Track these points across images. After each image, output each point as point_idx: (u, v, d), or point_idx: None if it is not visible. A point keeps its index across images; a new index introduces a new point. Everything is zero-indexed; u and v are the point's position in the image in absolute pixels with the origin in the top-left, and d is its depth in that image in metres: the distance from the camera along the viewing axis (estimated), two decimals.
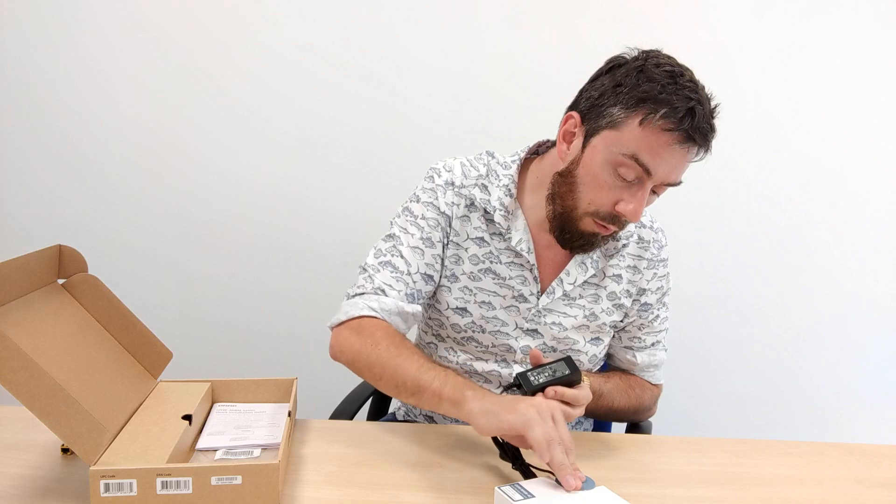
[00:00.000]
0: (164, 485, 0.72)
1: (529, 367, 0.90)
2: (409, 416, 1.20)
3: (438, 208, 1.05)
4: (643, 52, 0.95)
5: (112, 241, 1.83)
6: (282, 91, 1.78)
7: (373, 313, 0.99)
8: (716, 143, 0.93)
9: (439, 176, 1.07)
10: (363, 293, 1.02)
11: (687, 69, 0.93)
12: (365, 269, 1.04)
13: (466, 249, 1.06)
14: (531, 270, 1.06)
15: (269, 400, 1.01)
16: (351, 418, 1.19)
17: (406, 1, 1.74)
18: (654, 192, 0.95)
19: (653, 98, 0.88)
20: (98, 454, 0.73)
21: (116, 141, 1.80)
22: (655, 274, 1.12)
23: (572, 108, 1.00)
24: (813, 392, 1.96)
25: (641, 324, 1.13)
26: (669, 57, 0.94)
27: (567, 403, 0.85)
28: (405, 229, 1.05)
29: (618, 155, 0.91)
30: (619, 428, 1.24)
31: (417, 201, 1.07)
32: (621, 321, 1.12)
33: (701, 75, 0.94)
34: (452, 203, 1.06)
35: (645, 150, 0.89)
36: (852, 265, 1.90)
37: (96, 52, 1.75)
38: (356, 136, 1.81)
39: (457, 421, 1.12)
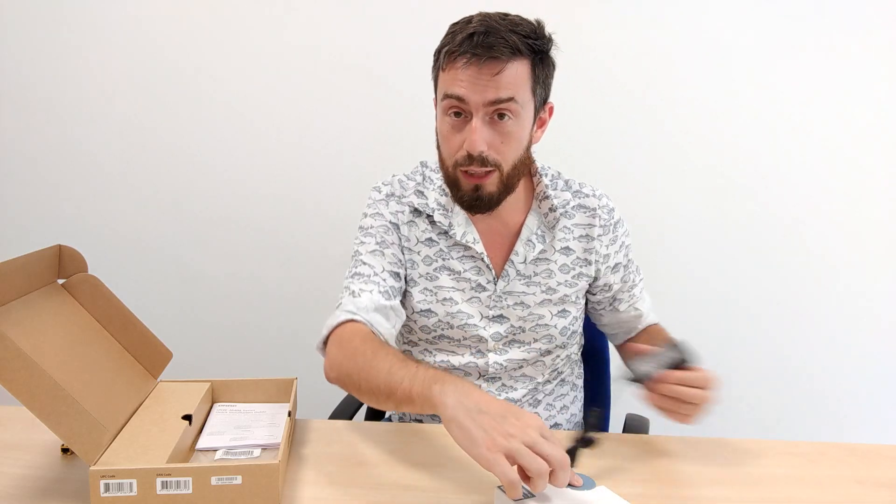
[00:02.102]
0: (164, 485, 0.72)
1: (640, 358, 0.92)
2: (406, 417, 1.20)
3: (385, 217, 1.11)
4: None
5: (112, 241, 1.83)
6: (282, 91, 1.78)
7: (351, 316, 1.00)
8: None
9: (379, 192, 1.13)
10: (340, 303, 1.05)
11: (480, 13, 0.99)
12: (343, 288, 1.08)
13: (418, 252, 1.11)
14: (482, 259, 1.09)
15: (269, 400, 1.01)
16: (351, 418, 1.19)
17: (406, 1, 1.74)
18: (498, 117, 0.97)
19: (444, 45, 0.99)
20: (98, 454, 0.73)
21: (116, 141, 1.80)
22: (616, 237, 1.15)
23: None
24: (814, 392, 1.95)
25: (625, 282, 1.18)
26: (470, 14, 1.01)
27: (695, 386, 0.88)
28: (361, 242, 1.11)
29: (441, 103, 1.00)
30: (618, 428, 1.24)
31: (365, 217, 1.13)
32: (592, 289, 1.17)
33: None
34: (397, 211, 1.11)
35: (450, 84, 0.97)
36: (853, 265, 1.90)
37: (96, 52, 1.75)
38: (356, 136, 1.81)
39: (397, 421, 1.12)
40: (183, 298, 1.87)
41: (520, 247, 1.10)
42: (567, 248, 1.12)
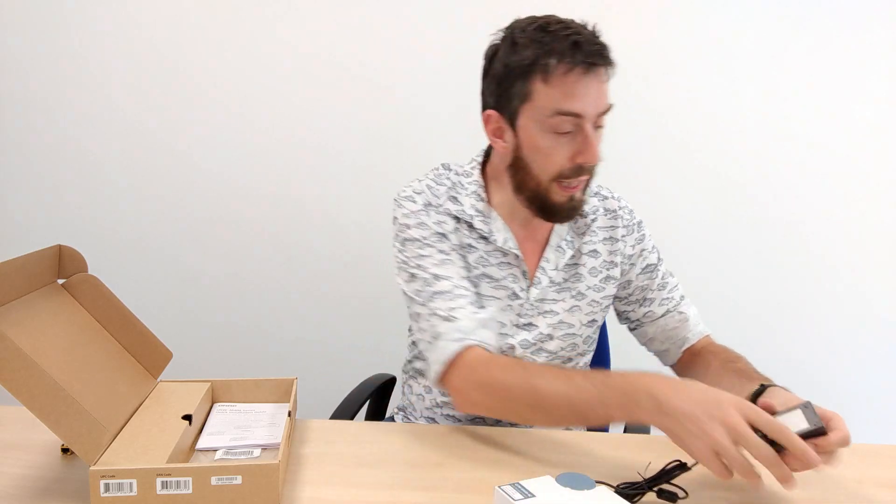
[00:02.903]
0: (164, 485, 0.71)
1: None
2: (408, 418, 1.20)
3: (430, 227, 1.04)
4: (503, 29, 1.00)
5: (112, 241, 1.83)
6: (282, 92, 1.78)
7: (462, 344, 0.93)
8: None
9: (414, 202, 1.06)
10: (438, 332, 0.96)
11: (549, 15, 0.96)
12: (419, 314, 1.00)
13: (462, 258, 1.07)
14: (519, 266, 1.07)
15: (269, 400, 1.01)
16: (351, 418, 1.19)
17: (406, 1, 1.74)
18: (597, 126, 0.97)
19: (538, 56, 0.92)
20: (98, 454, 0.73)
21: (117, 141, 1.80)
22: (642, 237, 1.15)
23: (483, 109, 1.04)
24: (813, 392, 1.95)
25: (658, 283, 1.15)
26: (528, 17, 0.97)
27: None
28: (420, 256, 1.02)
29: (546, 119, 0.94)
30: (618, 427, 1.24)
31: (408, 228, 1.04)
32: (620, 293, 1.15)
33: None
34: (439, 221, 1.05)
35: (563, 100, 0.92)
36: (853, 265, 1.90)
37: (96, 53, 1.75)
38: (356, 136, 1.81)
39: (435, 414, 1.12)
40: (183, 298, 1.87)
41: (550, 253, 1.08)
42: (594, 251, 1.11)
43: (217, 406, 0.99)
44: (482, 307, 1.03)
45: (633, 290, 1.15)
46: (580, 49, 0.91)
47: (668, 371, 1.17)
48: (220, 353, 1.89)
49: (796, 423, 0.76)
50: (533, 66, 0.93)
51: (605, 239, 1.12)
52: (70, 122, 1.78)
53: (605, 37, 0.96)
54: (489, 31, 1.84)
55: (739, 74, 1.79)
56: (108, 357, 0.90)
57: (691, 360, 1.13)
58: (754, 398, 0.87)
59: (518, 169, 1.01)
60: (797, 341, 1.93)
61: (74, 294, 0.92)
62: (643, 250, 1.15)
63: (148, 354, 0.97)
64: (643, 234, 1.15)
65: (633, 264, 1.14)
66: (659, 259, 1.17)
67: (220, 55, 1.77)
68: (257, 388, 1.01)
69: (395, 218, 1.07)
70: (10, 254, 0.79)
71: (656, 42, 1.76)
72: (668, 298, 1.15)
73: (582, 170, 0.98)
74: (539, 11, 0.99)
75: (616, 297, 1.17)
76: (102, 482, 0.71)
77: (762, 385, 0.90)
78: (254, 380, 1.01)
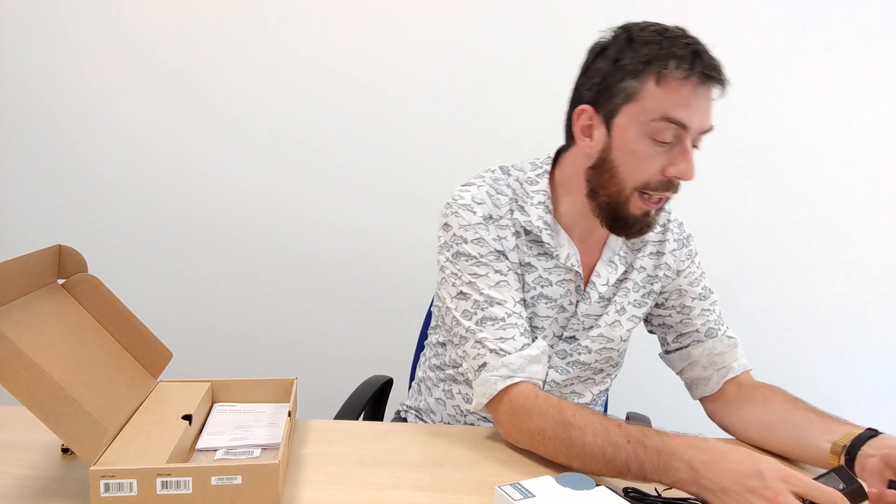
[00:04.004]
0: (164, 485, 0.71)
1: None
2: (421, 419, 1.20)
3: (489, 244, 0.98)
4: (619, 27, 0.95)
5: (112, 241, 1.83)
6: (281, 94, 1.78)
7: (509, 381, 0.91)
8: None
9: (473, 213, 0.99)
10: (484, 363, 0.93)
11: (668, 24, 0.93)
12: (465, 338, 0.96)
13: (520, 278, 1.02)
14: (575, 281, 1.03)
15: (269, 400, 1.01)
16: (357, 418, 1.19)
17: (408, 4, 1.74)
18: (694, 145, 0.93)
19: (656, 56, 0.88)
20: (98, 454, 0.73)
21: (117, 142, 1.80)
22: (691, 252, 1.11)
23: (576, 104, 0.98)
24: (813, 392, 1.95)
25: (693, 286, 1.10)
26: (646, 21, 0.94)
27: None
28: (475, 274, 0.97)
29: (649, 122, 0.89)
30: None
31: (465, 242, 0.98)
32: (659, 305, 1.11)
33: None
34: (498, 237, 0.99)
35: (673, 106, 0.88)
36: (852, 265, 1.90)
37: (95, 55, 1.75)
38: (355, 139, 1.81)
39: (458, 422, 1.12)
40: (183, 298, 1.87)
41: (602, 268, 1.05)
42: (641, 266, 1.08)
43: (217, 406, 0.99)
44: (535, 338, 0.98)
45: (671, 294, 1.10)
46: (700, 59, 0.88)
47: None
48: (220, 353, 1.89)
49: (834, 485, 0.73)
50: (649, 64, 0.88)
51: (651, 253, 1.08)
52: (70, 122, 1.78)
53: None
54: (490, 32, 1.85)
55: (742, 73, 1.79)
56: (108, 357, 0.90)
57: (738, 394, 1.05)
58: (861, 441, 0.85)
59: (602, 171, 0.95)
60: (797, 341, 1.93)
61: (74, 294, 0.92)
62: (691, 264, 1.11)
63: (148, 354, 0.97)
64: (691, 250, 1.12)
65: (674, 279, 1.10)
66: (703, 274, 1.13)
67: (220, 57, 1.76)
68: (257, 388, 1.01)
69: (448, 225, 1.00)
70: (10, 254, 0.79)
71: None
72: (708, 310, 1.09)
73: (670, 185, 0.93)
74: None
75: (654, 317, 1.13)
76: (102, 482, 0.70)
77: (871, 429, 0.86)
78: (254, 380, 1.01)
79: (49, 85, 1.76)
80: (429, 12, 1.75)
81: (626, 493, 0.82)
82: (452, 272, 0.98)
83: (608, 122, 0.94)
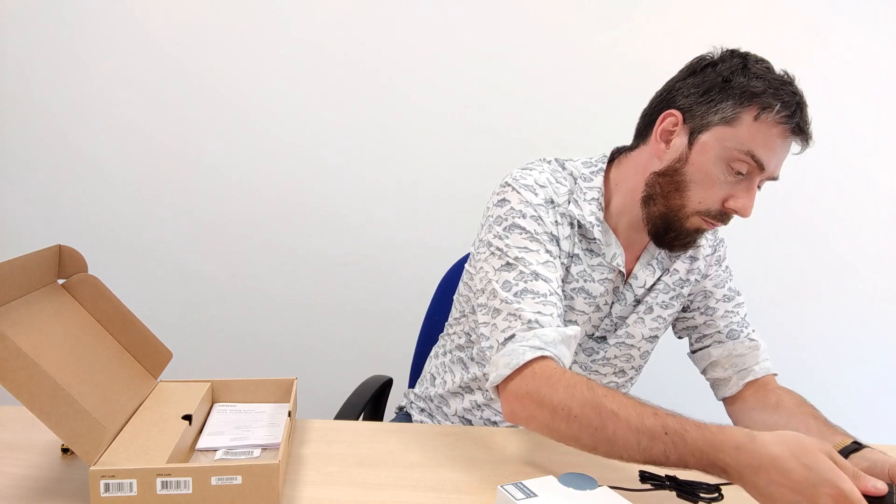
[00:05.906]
0: (164, 485, 0.71)
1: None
2: (432, 416, 1.20)
3: (546, 225, 0.97)
4: (733, 50, 0.95)
5: (112, 241, 1.83)
6: (283, 92, 1.78)
7: (539, 353, 0.85)
8: None
9: (535, 194, 0.98)
10: (513, 334, 0.87)
11: (790, 77, 0.94)
12: (499, 310, 0.91)
13: (566, 268, 1.02)
14: (615, 282, 1.04)
15: (269, 400, 1.01)
16: (357, 419, 1.19)
17: (408, 4, 1.74)
18: (758, 186, 0.95)
19: (765, 93, 0.89)
20: (98, 454, 0.73)
21: (117, 141, 1.80)
22: (721, 257, 1.12)
23: (665, 106, 0.97)
24: (813, 392, 1.95)
25: (718, 287, 1.10)
26: (759, 55, 0.95)
27: None
28: (525, 248, 0.94)
29: (733, 150, 0.90)
30: None
31: (524, 217, 0.96)
32: (685, 309, 1.11)
33: None
34: (556, 223, 0.99)
35: (760, 145, 0.90)
36: (853, 265, 1.90)
37: (96, 53, 1.75)
38: (357, 137, 1.81)
39: (473, 415, 1.11)
40: (183, 298, 1.87)
41: (640, 270, 1.05)
42: (675, 269, 1.08)
43: (217, 406, 0.99)
44: (568, 322, 0.98)
45: (696, 295, 1.11)
46: (801, 113, 0.90)
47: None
48: (220, 353, 1.89)
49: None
50: (756, 97, 0.89)
51: (687, 258, 1.09)
52: (70, 122, 1.78)
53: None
54: (491, 32, 1.84)
55: None
56: (108, 357, 0.90)
57: (755, 397, 1.05)
58: (846, 454, 0.85)
59: (669, 181, 0.95)
60: (797, 340, 1.93)
61: (74, 294, 0.92)
62: (718, 268, 1.11)
63: (148, 354, 0.97)
64: (721, 255, 1.13)
65: (702, 280, 1.10)
66: (730, 276, 1.13)
67: (220, 56, 1.76)
68: (257, 388, 1.01)
69: (506, 200, 0.98)
70: (10, 254, 0.79)
71: (662, 44, 1.75)
72: (732, 312, 1.10)
73: (725, 217, 0.94)
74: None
75: (681, 310, 1.13)
76: (102, 482, 0.70)
77: (856, 443, 0.86)
78: (254, 380, 1.01)
79: (49, 85, 1.76)
80: (429, 12, 1.75)
81: (643, 477, 0.81)
82: (503, 245, 0.95)
83: (693, 134, 0.93)
